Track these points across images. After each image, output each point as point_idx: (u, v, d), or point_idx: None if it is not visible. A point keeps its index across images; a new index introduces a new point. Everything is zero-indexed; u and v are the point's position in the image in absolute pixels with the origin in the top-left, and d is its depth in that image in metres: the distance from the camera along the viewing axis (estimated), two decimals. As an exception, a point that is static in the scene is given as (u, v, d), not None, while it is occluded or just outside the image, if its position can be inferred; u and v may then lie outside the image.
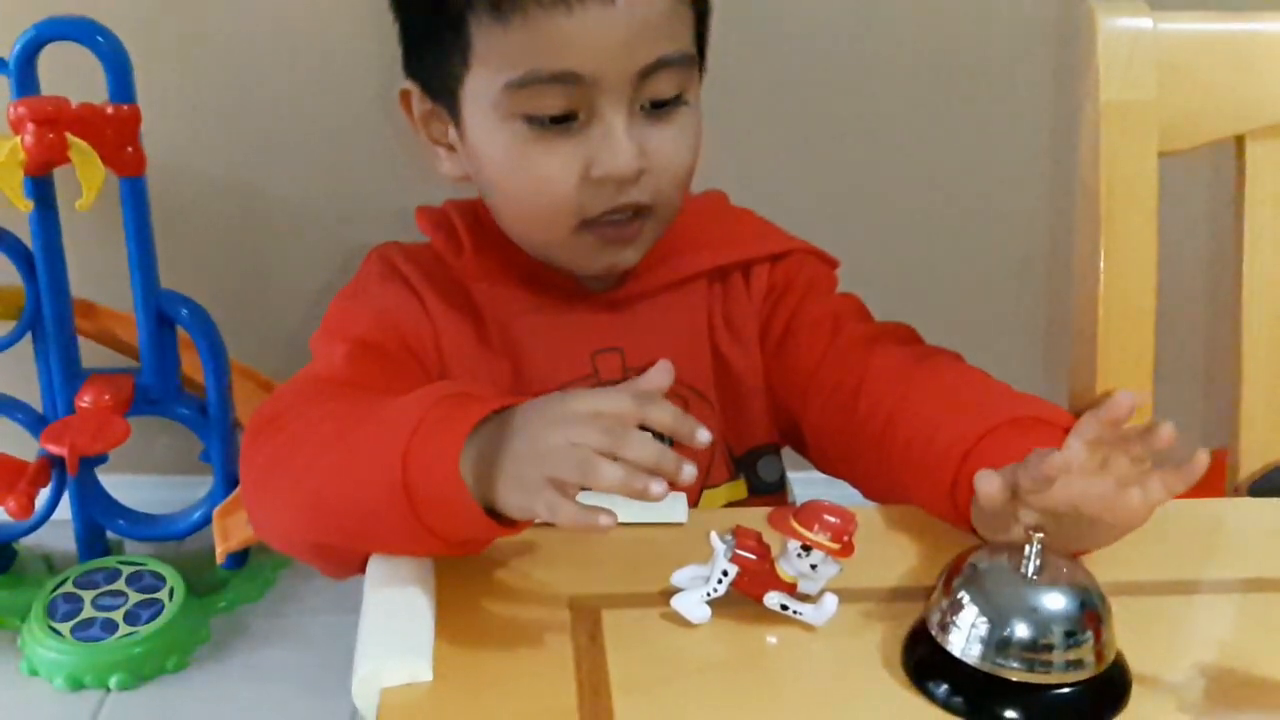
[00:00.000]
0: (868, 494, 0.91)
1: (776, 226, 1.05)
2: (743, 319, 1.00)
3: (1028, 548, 0.67)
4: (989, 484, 0.73)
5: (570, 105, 0.87)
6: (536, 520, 0.70)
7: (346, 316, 0.95)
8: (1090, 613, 0.66)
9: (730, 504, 1.00)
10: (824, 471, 0.97)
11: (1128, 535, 0.74)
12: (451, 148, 0.96)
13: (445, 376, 0.95)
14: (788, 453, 1.03)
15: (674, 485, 0.66)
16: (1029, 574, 0.66)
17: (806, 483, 1.01)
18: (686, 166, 0.93)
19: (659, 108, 0.89)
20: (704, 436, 0.68)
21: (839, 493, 0.91)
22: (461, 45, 0.89)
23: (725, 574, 0.71)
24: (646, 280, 0.98)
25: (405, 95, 0.97)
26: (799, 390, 0.97)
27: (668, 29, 0.88)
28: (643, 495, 0.65)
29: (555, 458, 0.67)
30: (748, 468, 1.01)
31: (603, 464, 0.66)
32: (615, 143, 0.87)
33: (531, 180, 0.90)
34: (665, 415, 0.68)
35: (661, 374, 0.70)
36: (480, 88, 0.89)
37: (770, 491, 1.02)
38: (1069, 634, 0.66)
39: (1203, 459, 0.69)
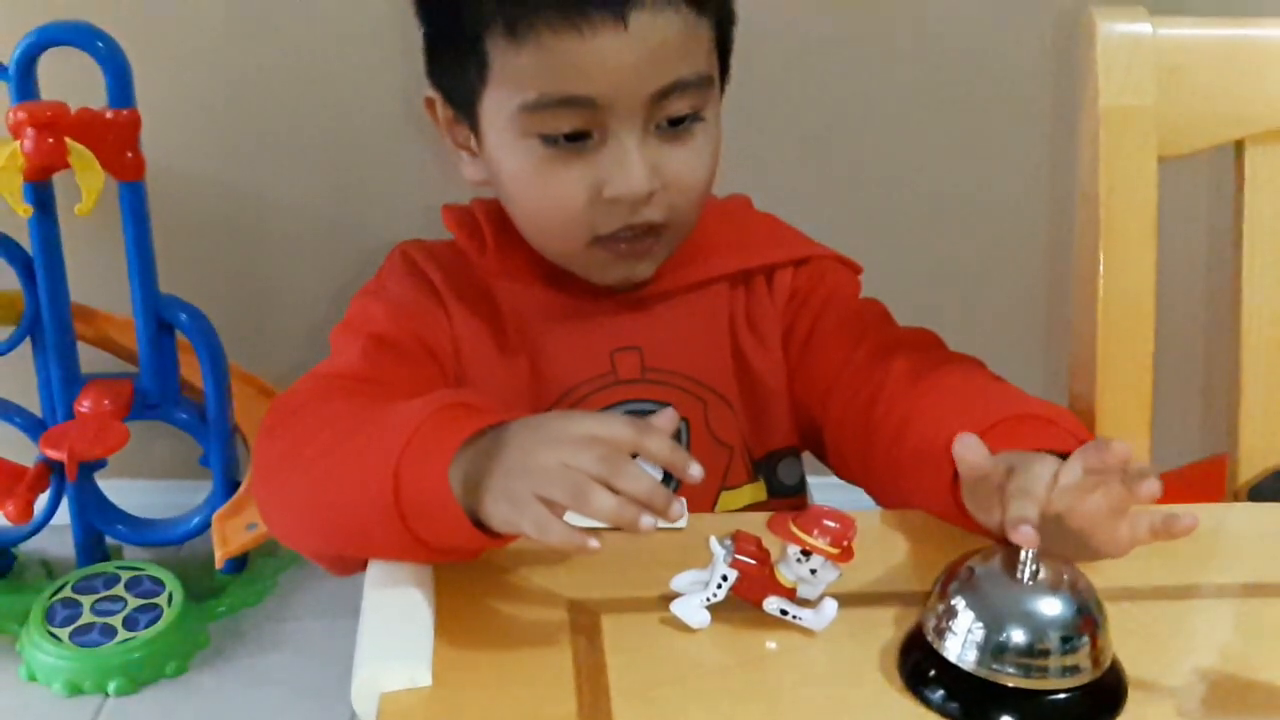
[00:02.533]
0: (881, 501, 0.91)
1: (800, 232, 1.05)
2: (766, 322, 1.00)
3: (1023, 553, 0.66)
4: (969, 451, 0.73)
5: (584, 125, 0.88)
6: (521, 536, 0.70)
7: (366, 312, 0.96)
8: (1086, 618, 0.66)
9: (750, 506, 1.00)
10: (842, 478, 0.97)
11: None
12: (475, 153, 0.96)
13: (462, 376, 0.96)
14: (808, 457, 1.03)
15: (669, 471, 0.68)
16: (1024, 579, 0.66)
17: (825, 488, 1.00)
18: (701, 185, 0.93)
19: (675, 125, 0.90)
20: (697, 472, 0.68)
21: (854, 497, 0.91)
22: (478, 63, 0.89)
23: (725, 579, 0.71)
24: (668, 281, 0.98)
25: (430, 102, 0.98)
26: (820, 396, 0.97)
27: (683, 51, 0.88)
28: (631, 528, 0.66)
29: (547, 477, 0.67)
30: (768, 470, 1.01)
31: (595, 491, 0.66)
32: (627, 164, 0.88)
33: (545, 197, 0.91)
34: (662, 447, 0.69)
35: (667, 418, 0.71)
36: (496, 105, 0.90)
37: (790, 494, 1.02)
38: (1065, 639, 0.65)
39: (1190, 520, 0.70)
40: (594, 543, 0.66)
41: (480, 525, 0.70)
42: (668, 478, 0.70)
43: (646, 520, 0.66)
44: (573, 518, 0.68)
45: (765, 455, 1.01)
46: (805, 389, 0.99)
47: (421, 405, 0.75)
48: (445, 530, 0.71)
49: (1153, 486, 0.69)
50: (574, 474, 0.67)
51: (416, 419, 0.73)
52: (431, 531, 0.72)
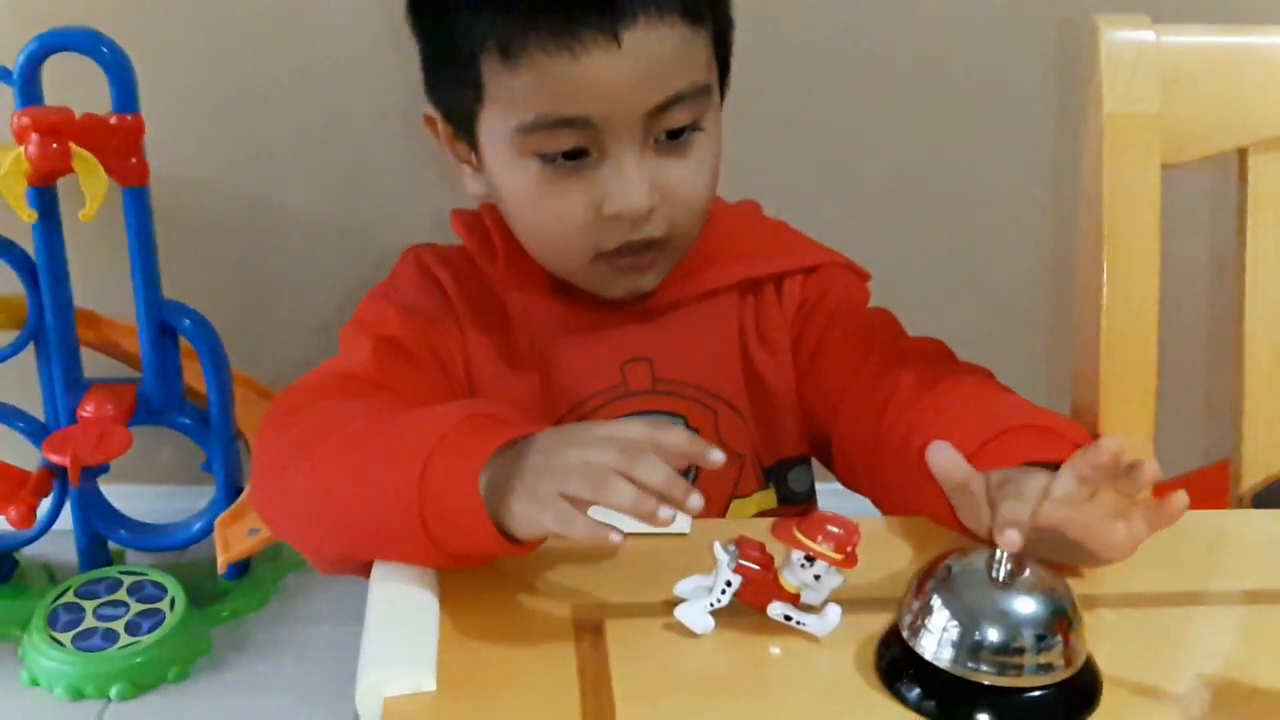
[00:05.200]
0: (886, 511, 0.91)
1: (809, 238, 1.05)
2: (775, 330, 1.00)
3: (998, 552, 0.67)
4: (940, 456, 0.74)
5: (581, 144, 0.88)
6: (546, 536, 0.71)
7: (378, 314, 0.96)
8: (1060, 616, 0.67)
9: (759, 514, 1.00)
10: (849, 487, 0.97)
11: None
12: (476, 168, 0.96)
13: (472, 387, 0.96)
14: (816, 463, 1.03)
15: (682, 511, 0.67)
16: (999, 578, 0.67)
17: (833, 494, 1.00)
18: (702, 197, 0.93)
19: (674, 137, 0.89)
20: (717, 456, 0.69)
21: (862, 504, 0.91)
22: (474, 84, 0.89)
23: (729, 584, 0.71)
24: (678, 291, 0.98)
25: (430, 120, 0.98)
26: (830, 406, 0.97)
27: (679, 65, 0.88)
28: (650, 519, 0.66)
29: (569, 474, 0.68)
30: (778, 478, 1.01)
31: (615, 482, 0.67)
32: (626, 181, 0.88)
33: (546, 216, 0.91)
34: (679, 439, 0.69)
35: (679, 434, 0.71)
36: (494, 125, 0.90)
37: (800, 501, 1.02)
38: (1039, 638, 0.66)
39: (1181, 500, 0.70)
40: (616, 535, 0.66)
41: (502, 532, 0.70)
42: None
43: (665, 512, 0.66)
44: (596, 512, 0.68)
45: (776, 463, 1.01)
46: (814, 399, 0.99)
47: (451, 411, 0.76)
48: (467, 535, 0.71)
49: (1151, 469, 0.70)
50: (594, 467, 0.68)
51: (446, 423, 0.74)
52: (451, 535, 0.72)
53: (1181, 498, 0.70)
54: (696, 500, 0.67)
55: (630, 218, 0.89)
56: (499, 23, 0.86)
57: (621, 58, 0.85)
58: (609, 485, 0.67)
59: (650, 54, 0.86)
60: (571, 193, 0.89)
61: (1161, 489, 0.72)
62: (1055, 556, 0.74)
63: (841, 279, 1.02)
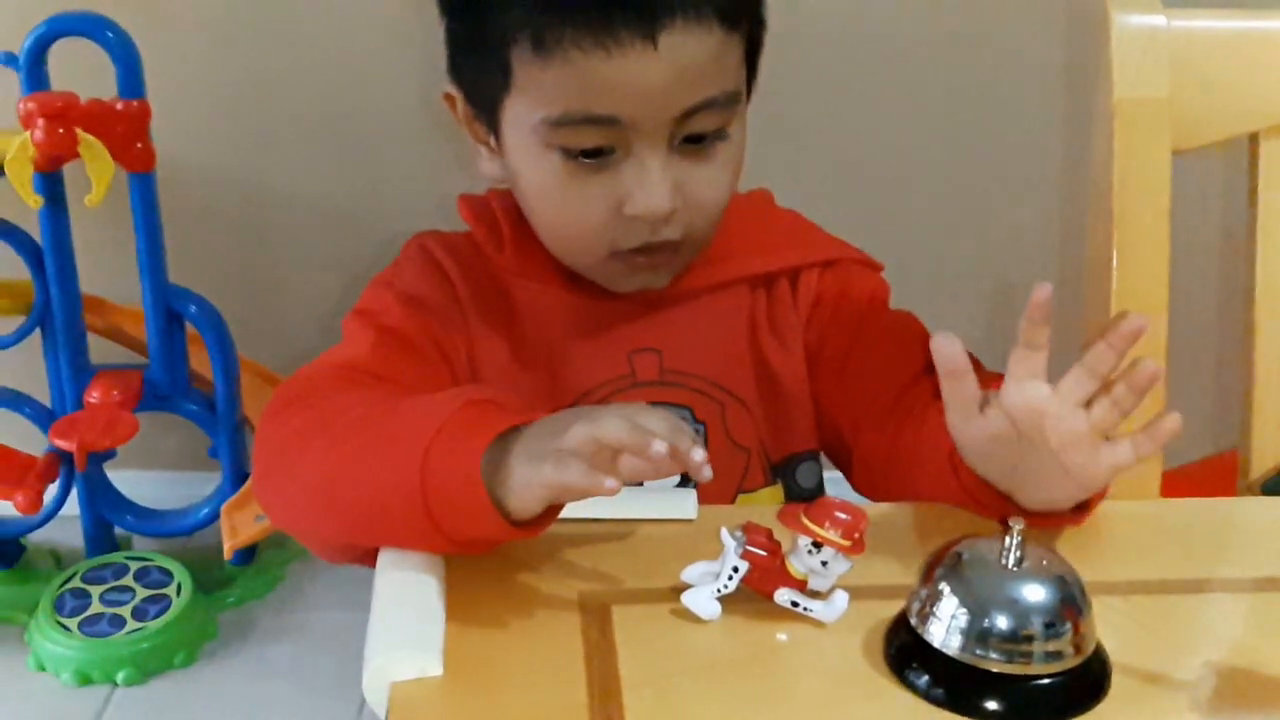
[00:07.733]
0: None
1: (822, 230, 1.04)
2: (788, 325, 0.99)
3: (1007, 539, 0.67)
4: (946, 343, 0.74)
5: (607, 142, 0.87)
6: (544, 504, 0.70)
7: (381, 303, 0.95)
8: (1069, 604, 0.66)
9: None
10: (863, 495, 0.94)
11: (1137, 534, 0.74)
12: (494, 150, 0.95)
13: (476, 375, 0.95)
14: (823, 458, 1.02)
15: (686, 474, 0.67)
16: (1009, 565, 0.66)
17: (841, 482, 0.99)
18: (722, 203, 0.92)
19: (698, 141, 0.88)
20: (699, 456, 0.67)
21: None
22: (502, 71, 0.88)
23: (736, 570, 0.70)
24: (688, 282, 0.97)
25: (449, 98, 0.97)
26: (853, 419, 0.95)
27: (713, 70, 0.87)
28: (643, 452, 0.65)
29: (565, 428, 0.68)
30: (786, 474, 1.00)
31: (609, 417, 0.67)
32: (650, 184, 0.87)
33: (565, 211, 0.90)
34: (658, 422, 0.68)
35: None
36: (519, 114, 0.89)
37: (808, 498, 1.01)
38: (1048, 625, 0.66)
39: (1173, 420, 0.70)
40: (611, 482, 0.66)
41: (505, 517, 0.70)
42: (684, 480, 0.69)
43: (659, 445, 0.65)
44: (574, 509, 0.69)
45: (784, 459, 1.00)
46: (837, 405, 0.97)
47: (452, 396, 0.76)
48: (470, 520, 0.71)
49: (1150, 367, 0.71)
50: (589, 420, 0.67)
51: (448, 408, 0.73)
52: (455, 521, 0.72)
53: (1174, 419, 0.70)
54: (700, 454, 0.67)
55: (651, 220, 0.88)
56: (535, 14, 0.85)
57: (657, 60, 0.84)
58: (602, 419, 0.66)
59: (686, 57, 0.85)
60: (592, 190, 0.88)
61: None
62: (1030, 476, 0.74)
63: (860, 275, 1.01)
